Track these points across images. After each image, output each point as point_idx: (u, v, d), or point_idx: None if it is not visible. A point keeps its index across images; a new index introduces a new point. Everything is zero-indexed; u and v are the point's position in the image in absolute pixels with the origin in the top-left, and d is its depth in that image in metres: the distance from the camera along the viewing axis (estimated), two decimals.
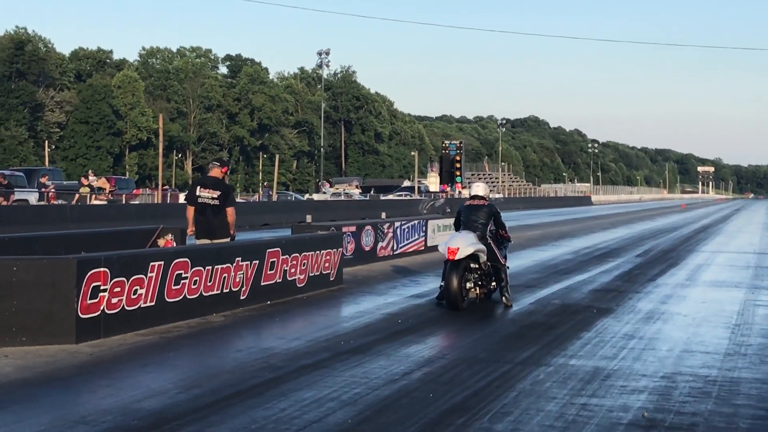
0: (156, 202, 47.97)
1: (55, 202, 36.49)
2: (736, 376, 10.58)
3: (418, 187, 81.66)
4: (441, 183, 39.45)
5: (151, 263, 12.62)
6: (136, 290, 12.34)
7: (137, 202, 43.67)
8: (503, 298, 16.10)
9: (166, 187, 75.14)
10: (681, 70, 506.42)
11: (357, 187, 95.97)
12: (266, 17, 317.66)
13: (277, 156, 50.60)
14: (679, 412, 8.87)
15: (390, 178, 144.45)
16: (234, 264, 14.53)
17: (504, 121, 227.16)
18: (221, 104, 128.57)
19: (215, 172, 16.15)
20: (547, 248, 30.92)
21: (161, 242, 17.96)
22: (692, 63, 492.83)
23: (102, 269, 11.71)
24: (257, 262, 15.16)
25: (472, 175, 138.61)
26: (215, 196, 15.69)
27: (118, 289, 11.99)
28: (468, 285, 15.56)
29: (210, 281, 13.91)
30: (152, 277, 12.63)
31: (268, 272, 15.53)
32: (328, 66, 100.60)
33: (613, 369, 10.80)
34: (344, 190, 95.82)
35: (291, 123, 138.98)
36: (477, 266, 15.74)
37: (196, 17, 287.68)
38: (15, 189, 36.91)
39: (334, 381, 9.80)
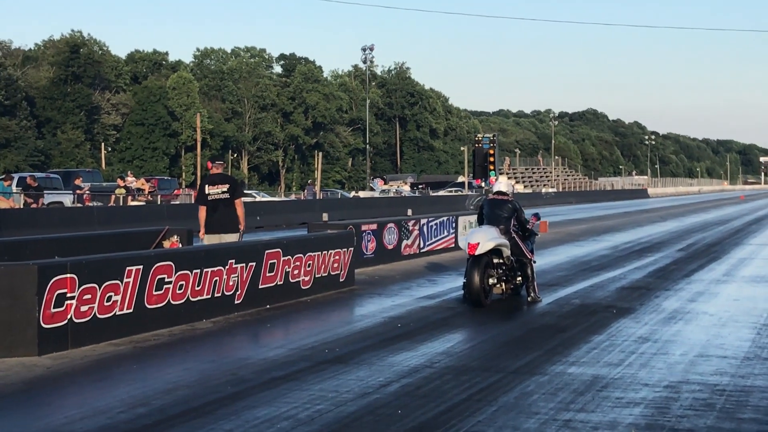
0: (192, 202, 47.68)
1: (90, 204, 36.05)
2: (749, 385, 9.53)
3: (469, 183, 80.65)
4: (474, 177, 38.49)
5: (128, 268, 11.84)
6: (110, 297, 11.57)
7: (178, 203, 43.18)
8: (529, 294, 15.70)
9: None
10: (743, 58, 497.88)
11: (406, 183, 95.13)
12: (320, 15, 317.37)
13: (320, 154, 49.75)
14: (673, 429, 7.85)
15: (446, 173, 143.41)
16: (227, 266, 13.72)
17: (561, 115, 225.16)
18: (276, 103, 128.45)
19: (218, 169, 16.46)
20: (585, 243, 29.78)
21: (167, 244, 17.25)
22: (754, 50, 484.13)
23: (68, 276, 10.93)
24: (254, 264, 14.35)
25: (526, 170, 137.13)
26: (225, 189, 15.99)
27: (88, 297, 11.22)
28: (491, 281, 15.21)
29: (198, 285, 13.11)
30: (129, 282, 11.85)
31: (267, 274, 14.72)
32: (372, 62, 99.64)
33: (613, 377, 9.80)
34: (397, 186, 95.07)
35: (345, 121, 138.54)
36: (500, 261, 15.37)
37: (250, 17, 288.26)
38: (48, 191, 36.54)
39: (298, 396, 8.92)
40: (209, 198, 15.97)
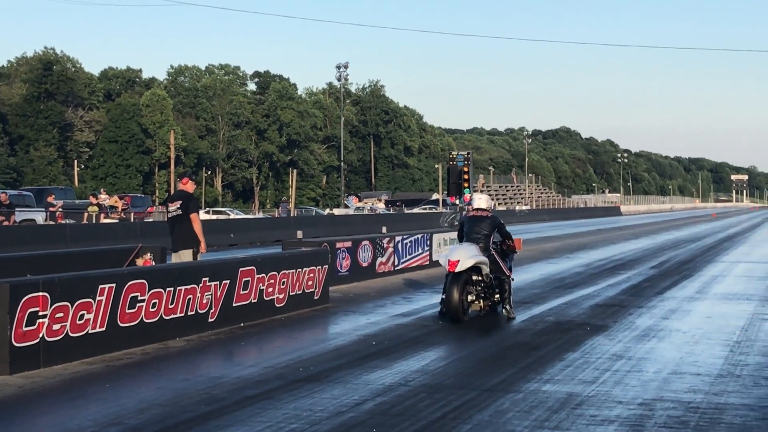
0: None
1: (63, 222, 35.78)
2: (723, 402, 9.55)
3: (444, 200, 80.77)
4: (449, 195, 38.61)
5: (100, 286, 11.75)
6: (83, 315, 11.46)
7: (151, 220, 42.96)
8: (504, 310, 15.79)
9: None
10: (714, 77, 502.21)
11: (380, 200, 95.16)
12: (295, 33, 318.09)
13: (294, 171, 49.72)
14: None
15: (420, 191, 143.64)
16: (200, 284, 13.65)
17: (534, 133, 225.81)
18: (250, 120, 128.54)
19: (180, 185, 16.54)
20: (559, 261, 29.90)
21: (140, 261, 17.11)
22: (726, 69, 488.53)
23: (40, 294, 10.83)
24: (228, 281, 14.27)
25: (500, 187, 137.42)
26: (178, 206, 16.08)
27: (60, 315, 11.12)
28: (470, 298, 15.29)
29: (172, 303, 13.03)
30: (101, 300, 11.75)
31: (241, 292, 14.64)
32: (347, 79, 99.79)
33: (588, 395, 9.80)
34: (371, 204, 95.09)
35: (320, 138, 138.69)
36: (479, 278, 15.44)
37: (224, 34, 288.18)
38: (21, 209, 36.24)
39: (272, 415, 8.86)
40: (168, 216, 16.40)
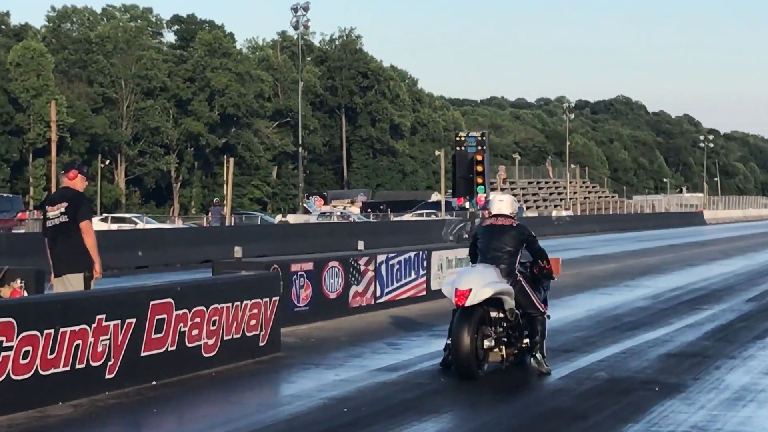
0: None
1: None
2: None
3: (448, 203, 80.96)
4: (455, 194, 38.43)
5: None
6: None
7: (22, 231, 42.93)
8: (534, 360, 15.88)
9: None
10: None
11: (355, 203, 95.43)
12: None
13: (231, 160, 49.78)
14: None
15: (413, 189, 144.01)
16: (94, 325, 13.66)
17: (579, 105, 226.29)
18: (167, 87, 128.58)
19: (66, 180, 16.47)
20: (615, 290, 30.17)
21: (5, 291, 17.11)
22: None
23: None
24: (134, 321, 14.29)
25: (529, 183, 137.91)
26: (63, 209, 16.00)
27: None
28: (487, 343, 15.30)
29: (52, 353, 13.04)
30: None
31: (153, 336, 14.67)
32: (307, 27, 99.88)
33: None
34: (343, 208, 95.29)
35: (269, 112, 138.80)
36: (501, 315, 15.49)
37: None
38: None
39: None
40: (47, 225, 16.25)
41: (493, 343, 15.34)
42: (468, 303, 14.89)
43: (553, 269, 16.86)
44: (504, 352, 15.59)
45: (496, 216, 16.15)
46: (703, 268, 40.16)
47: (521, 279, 15.87)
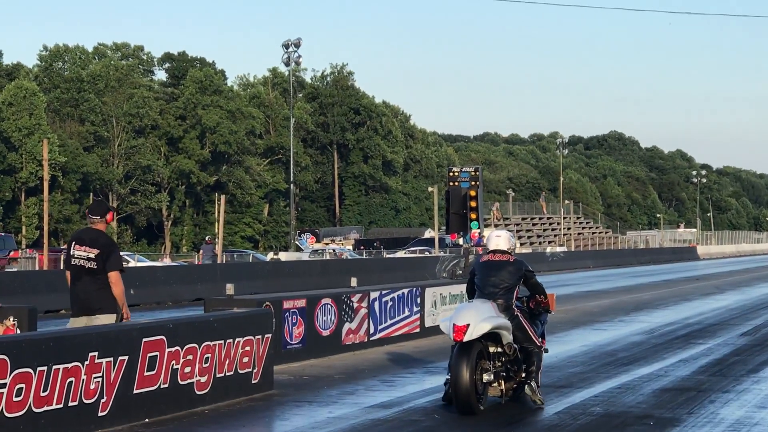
0: (41, 268, 47.25)
1: None
2: None
3: (442, 239, 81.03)
4: (449, 231, 38.53)
5: None
6: None
7: (15, 270, 42.90)
8: (528, 388, 16.06)
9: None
10: None
11: (348, 240, 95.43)
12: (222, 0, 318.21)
13: (222, 198, 49.79)
14: None
15: (406, 226, 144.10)
16: (86, 362, 13.67)
17: (573, 141, 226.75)
18: (158, 125, 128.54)
19: (96, 223, 16.08)
20: (610, 325, 30.32)
21: None
22: None
23: None
24: (126, 358, 14.30)
25: (523, 219, 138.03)
26: (92, 255, 15.69)
27: None
28: (486, 377, 15.46)
29: (45, 390, 13.04)
30: None
31: (146, 374, 14.68)
32: (298, 63, 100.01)
33: None
34: (335, 246, 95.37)
35: (260, 150, 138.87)
36: (499, 350, 15.69)
37: (121, 2, 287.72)
38: None
39: None
40: (72, 262, 15.87)
41: (492, 377, 15.51)
42: (466, 338, 15.01)
43: (549, 304, 16.96)
44: (503, 386, 15.81)
45: (494, 252, 16.32)
46: (697, 302, 40.27)
47: (519, 314, 16.04)
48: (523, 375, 16.00)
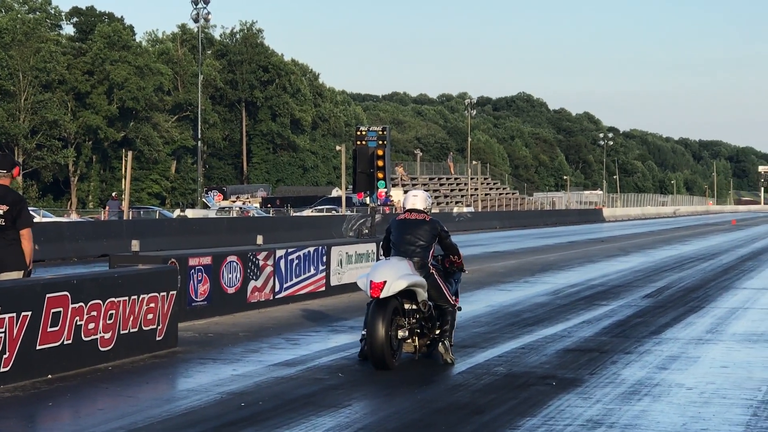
0: None
1: None
2: None
3: (349, 198, 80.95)
4: (356, 190, 38.60)
5: None
6: None
7: None
8: (441, 346, 16.24)
9: None
10: (734, 26, 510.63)
11: (255, 198, 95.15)
12: None
13: (129, 154, 49.34)
14: None
15: (314, 185, 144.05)
16: None
17: (481, 102, 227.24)
18: (65, 80, 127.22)
19: (2, 177, 15.61)
20: (515, 286, 30.43)
21: None
22: (749, 14, 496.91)
23: None
24: (29, 314, 14.18)
25: (431, 179, 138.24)
26: (1, 212, 15.35)
27: None
28: (401, 334, 15.68)
29: None
30: None
31: (49, 330, 14.57)
32: (207, 20, 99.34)
33: None
34: (242, 203, 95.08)
35: (168, 106, 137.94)
36: (414, 307, 15.90)
37: None
38: None
39: None
40: None
41: (406, 333, 15.76)
42: (383, 295, 15.20)
43: (462, 263, 17.10)
44: (417, 342, 16.09)
45: (410, 210, 16.48)
46: (602, 264, 40.59)
47: (434, 272, 16.24)
48: (437, 332, 16.20)
